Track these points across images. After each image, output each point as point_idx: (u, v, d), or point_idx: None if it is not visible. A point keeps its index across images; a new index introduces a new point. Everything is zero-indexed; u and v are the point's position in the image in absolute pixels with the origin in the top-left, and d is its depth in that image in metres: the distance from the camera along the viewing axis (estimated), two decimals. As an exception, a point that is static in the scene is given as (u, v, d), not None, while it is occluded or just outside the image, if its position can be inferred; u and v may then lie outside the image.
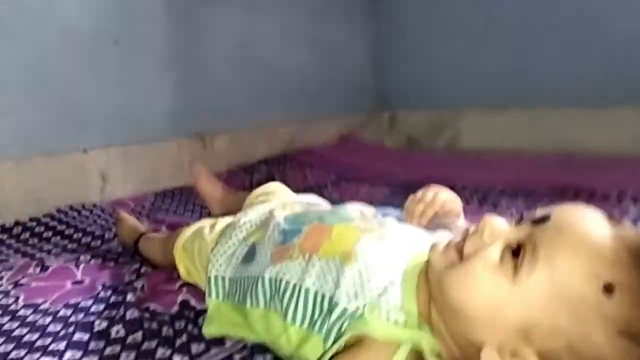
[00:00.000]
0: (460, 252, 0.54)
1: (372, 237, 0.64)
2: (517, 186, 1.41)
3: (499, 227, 0.53)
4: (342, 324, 0.56)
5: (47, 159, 1.37)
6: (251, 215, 0.80)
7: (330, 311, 0.57)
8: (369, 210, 0.74)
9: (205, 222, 0.88)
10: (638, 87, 1.81)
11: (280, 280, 0.63)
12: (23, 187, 1.33)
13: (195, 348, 0.69)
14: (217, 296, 0.72)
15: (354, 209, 0.73)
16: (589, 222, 0.50)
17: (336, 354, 0.53)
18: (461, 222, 0.74)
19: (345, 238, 0.64)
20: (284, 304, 0.61)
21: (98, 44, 1.45)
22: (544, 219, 0.51)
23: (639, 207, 1.20)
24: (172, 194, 1.54)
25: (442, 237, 0.60)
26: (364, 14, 2.36)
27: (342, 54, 2.26)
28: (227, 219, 0.84)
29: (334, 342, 0.55)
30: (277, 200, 0.90)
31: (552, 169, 1.56)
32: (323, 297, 0.59)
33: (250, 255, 0.71)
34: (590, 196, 1.27)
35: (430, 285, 0.55)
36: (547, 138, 1.99)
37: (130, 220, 1.15)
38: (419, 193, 0.75)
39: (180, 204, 1.46)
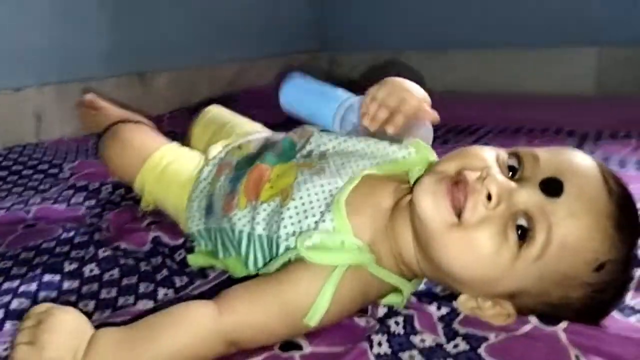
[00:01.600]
0: (457, 210, 0.51)
1: (309, 172, 0.62)
2: (469, 125, 1.45)
3: (504, 183, 0.51)
4: (289, 260, 0.57)
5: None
6: (210, 167, 0.75)
7: (278, 252, 0.59)
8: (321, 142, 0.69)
9: (168, 154, 0.81)
10: (570, 29, 1.89)
11: (234, 230, 0.63)
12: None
13: (178, 281, 0.68)
14: (202, 246, 0.71)
15: (297, 137, 0.71)
16: (598, 200, 0.50)
17: None
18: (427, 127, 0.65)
19: (284, 178, 0.63)
20: (243, 253, 0.62)
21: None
22: (556, 189, 0.50)
23: (575, 139, 1.28)
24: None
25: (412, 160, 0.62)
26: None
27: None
28: (192, 162, 0.79)
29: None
30: (234, 137, 0.85)
31: (497, 108, 1.61)
32: (271, 240, 0.60)
33: (209, 207, 0.70)
34: (541, 132, 1.34)
35: (413, 225, 0.55)
36: (486, 79, 2.05)
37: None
38: (380, 93, 0.62)
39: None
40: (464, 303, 0.55)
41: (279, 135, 0.77)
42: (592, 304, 0.52)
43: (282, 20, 2.18)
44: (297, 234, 0.57)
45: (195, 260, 0.70)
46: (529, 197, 0.50)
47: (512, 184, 0.51)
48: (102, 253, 0.74)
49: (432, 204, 0.52)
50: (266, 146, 0.73)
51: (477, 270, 0.51)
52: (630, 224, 0.51)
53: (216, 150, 0.78)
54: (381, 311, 0.58)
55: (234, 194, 0.66)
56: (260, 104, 1.77)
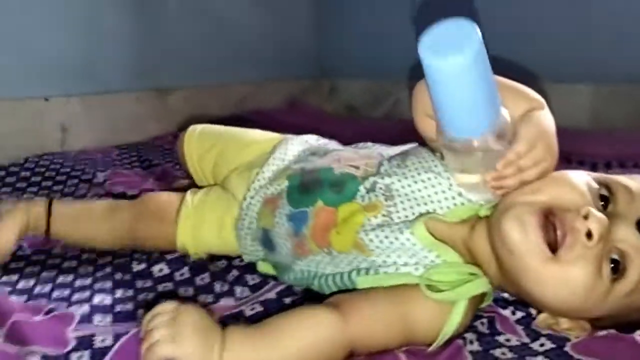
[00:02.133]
0: (551, 244, 0.51)
1: (376, 220, 0.60)
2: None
3: (605, 224, 0.50)
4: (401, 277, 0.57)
5: (5, 106, 1.27)
6: (249, 200, 0.71)
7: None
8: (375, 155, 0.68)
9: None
10: (567, 66, 1.99)
11: (310, 272, 0.63)
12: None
13: (251, 279, 0.70)
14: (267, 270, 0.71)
15: (358, 167, 0.66)
16: None
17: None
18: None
19: (349, 223, 0.61)
20: (316, 286, 0.63)
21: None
22: None
23: (586, 167, 1.35)
24: (136, 148, 1.47)
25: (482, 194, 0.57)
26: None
27: (286, 19, 2.26)
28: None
29: None
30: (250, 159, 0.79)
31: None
32: (349, 273, 0.60)
33: (267, 242, 0.68)
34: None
35: (494, 248, 0.55)
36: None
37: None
38: (523, 151, 0.53)
39: (145, 160, 1.41)
40: (543, 321, 0.58)
41: (313, 146, 0.77)
42: None
43: (286, 46, 2.24)
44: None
45: (266, 268, 0.71)
46: (626, 235, 0.51)
47: (607, 220, 0.51)
48: (167, 255, 0.75)
49: (523, 237, 0.52)
50: (311, 171, 0.68)
51: (570, 304, 0.53)
52: None
53: (238, 183, 0.75)
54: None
55: (301, 238, 0.63)
56: (269, 126, 1.82)
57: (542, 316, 0.58)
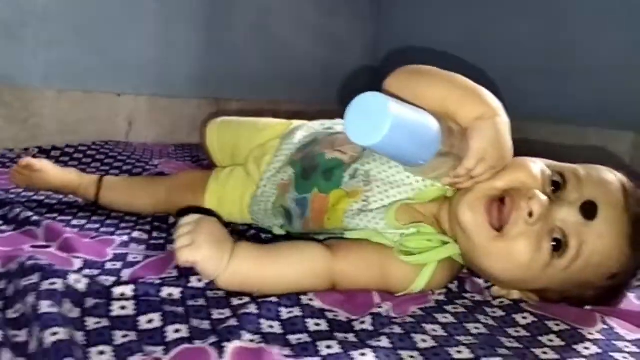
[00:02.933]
0: (499, 224, 0.60)
1: (357, 206, 0.68)
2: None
3: (545, 204, 0.58)
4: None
5: (83, 96, 1.46)
6: (266, 183, 0.81)
7: None
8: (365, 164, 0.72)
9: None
10: (607, 111, 2.02)
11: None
12: (58, 117, 1.42)
13: (264, 237, 0.81)
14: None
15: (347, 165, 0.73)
16: (623, 225, 0.58)
17: None
18: None
19: (337, 210, 0.69)
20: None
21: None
22: (592, 212, 0.58)
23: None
24: (190, 148, 1.63)
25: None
26: (366, 15, 2.52)
27: (343, 49, 2.41)
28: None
29: None
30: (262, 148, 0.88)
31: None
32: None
33: (288, 216, 0.77)
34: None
35: (455, 231, 0.64)
36: (520, 148, 2.16)
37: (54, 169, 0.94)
38: (472, 163, 0.60)
39: (195, 157, 1.56)
40: (497, 292, 0.66)
41: (315, 132, 0.84)
42: (603, 300, 0.62)
43: (341, 73, 2.38)
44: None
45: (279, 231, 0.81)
46: (567, 217, 0.58)
47: (547, 201, 0.58)
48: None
49: (472, 219, 0.61)
50: (310, 157, 0.76)
51: (513, 275, 0.61)
52: None
53: (254, 169, 0.85)
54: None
55: (307, 220, 0.74)
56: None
57: (495, 288, 0.66)
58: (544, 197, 0.58)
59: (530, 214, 0.58)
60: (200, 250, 0.56)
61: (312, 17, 2.18)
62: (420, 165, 0.57)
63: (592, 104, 2.05)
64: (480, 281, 0.70)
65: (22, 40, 1.36)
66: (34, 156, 1.16)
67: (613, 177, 0.61)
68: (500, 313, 0.60)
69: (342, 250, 0.64)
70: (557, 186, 0.61)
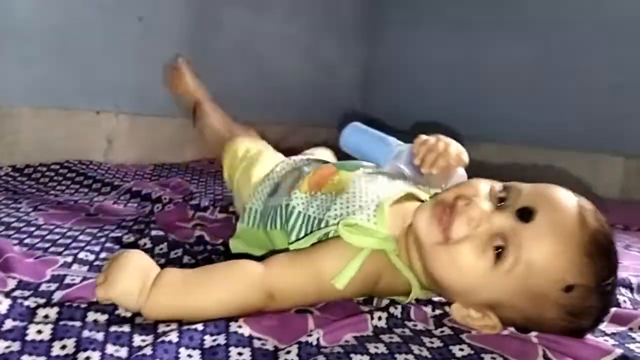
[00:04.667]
0: (446, 232, 0.61)
1: (366, 178, 0.77)
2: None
3: (484, 210, 0.60)
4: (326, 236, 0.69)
5: (61, 114, 1.46)
6: (286, 164, 0.94)
7: (320, 228, 0.71)
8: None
9: (255, 146, 1.02)
10: (598, 135, 2.01)
11: (289, 205, 0.77)
12: (35, 135, 1.42)
13: (216, 259, 0.80)
14: (248, 224, 0.85)
15: (367, 164, 0.85)
16: (567, 222, 0.58)
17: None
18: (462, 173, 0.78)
19: (344, 180, 0.78)
20: (289, 226, 0.75)
21: (124, 17, 1.56)
22: (529, 214, 0.59)
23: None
24: (170, 167, 1.63)
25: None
26: (356, 38, 2.53)
27: (333, 71, 2.41)
28: (268, 160, 0.97)
29: None
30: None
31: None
32: (319, 220, 0.73)
33: (273, 191, 0.85)
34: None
35: (414, 239, 0.66)
36: (513, 173, 2.15)
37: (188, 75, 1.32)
38: (430, 139, 0.77)
39: (178, 175, 1.55)
40: (456, 310, 0.64)
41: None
42: (568, 327, 0.60)
43: (331, 95, 2.38)
44: (341, 215, 0.70)
45: (234, 244, 0.83)
46: (505, 221, 0.59)
47: (491, 211, 0.60)
48: (155, 233, 0.86)
49: (425, 225, 0.63)
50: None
51: (459, 278, 0.61)
52: (601, 254, 0.57)
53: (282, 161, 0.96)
54: (384, 302, 0.68)
55: (299, 180, 0.81)
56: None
57: (455, 305, 0.64)
58: (483, 204, 0.61)
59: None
60: (115, 286, 0.56)
61: (300, 37, 2.18)
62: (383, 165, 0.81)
63: (581, 130, 2.05)
64: (427, 309, 0.68)
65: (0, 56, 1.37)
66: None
67: (563, 191, 0.62)
68: (437, 344, 0.58)
69: (276, 262, 0.64)
70: (504, 200, 0.62)
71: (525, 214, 0.59)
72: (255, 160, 0.97)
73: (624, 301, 0.76)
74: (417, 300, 0.70)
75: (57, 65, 1.45)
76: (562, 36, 2.07)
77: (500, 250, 0.58)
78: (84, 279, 0.67)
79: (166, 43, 1.69)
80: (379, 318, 0.62)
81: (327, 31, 2.33)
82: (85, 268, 0.72)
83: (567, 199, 0.61)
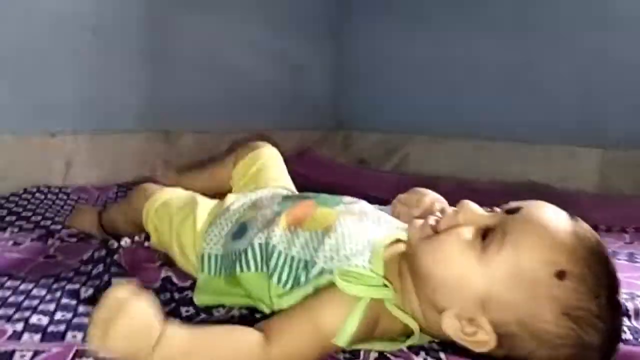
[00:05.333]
0: (435, 228, 0.62)
1: (351, 217, 0.73)
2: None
3: (474, 211, 0.61)
4: (320, 280, 0.65)
5: (11, 139, 1.36)
6: (243, 200, 0.87)
7: (309, 271, 0.67)
8: (362, 205, 0.81)
9: (170, 194, 0.95)
10: (566, 127, 2.00)
11: (268, 244, 0.71)
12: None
13: (184, 311, 0.73)
14: (209, 272, 0.78)
15: (348, 200, 0.80)
16: (554, 217, 0.58)
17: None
18: None
19: (327, 217, 0.73)
20: (271, 268, 0.70)
21: (76, 31, 1.46)
22: (516, 210, 0.60)
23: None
24: (134, 186, 1.54)
25: None
26: (325, 37, 2.46)
27: (302, 72, 2.34)
28: (208, 203, 0.90)
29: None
30: (265, 189, 0.95)
31: (493, 196, 1.68)
32: (306, 262, 0.68)
33: (240, 232, 0.78)
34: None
35: (406, 257, 0.65)
36: (485, 168, 2.13)
37: (89, 210, 1.17)
38: (403, 196, 0.81)
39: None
40: (447, 321, 0.59)
41: None
42: (570, 342, 0.54)
43: (300, 95, 2.32)
44: (332, 259, 0.66)
45: (200, 299, 0.76)
46: (493, 218, 0.60)
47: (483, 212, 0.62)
48: (115, 281, 0.79)
49: (417, 228, 0.64)
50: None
51: (446, 269, 0.59)
52: (597, 254, 0.56)
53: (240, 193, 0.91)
54: (372, 356, 0.62)
55: (275, 217, 0.75)
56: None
57: (447, 315, 0.59)
58: (473, 206, 0.62)
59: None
60: (114, 343, 0.51)
61: (267, 40, 2.10)
62: None
63: (557, 123, 2.03)
64: (418, 361, 0.62)
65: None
66: None
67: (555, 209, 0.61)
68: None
69: (275, 331, 0.59)
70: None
71: (513, 210, 0.60)
72: (193, 205, 0.89)
73: (623, 331, 0.71)
74: (409, 347, 0.65)
75: (7, 88, 1.34)
76: (535, 31, 2.04)
77: (486, 238, 0.58)
78: (35, 354, 0.60)
79: (123, 55, 1.60)
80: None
81: (294, 30, 2.25)
82: (38, 337, 0.64)
83: (557, 210, 0.60)
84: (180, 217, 0.88)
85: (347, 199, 0.81)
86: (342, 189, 1.73)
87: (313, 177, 1.90)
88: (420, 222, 0.64)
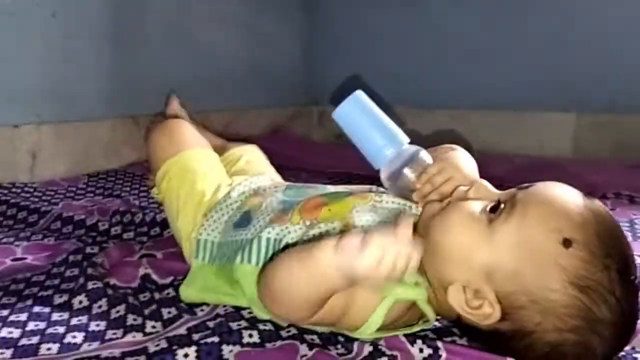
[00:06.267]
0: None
1: (364, 206, 0.70)
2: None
3: (486, 187, 0.62)
4: None
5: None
6: (244, 187, 0.83)
7: None
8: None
9: (195, 159, 0.89)
10: (548, 94, 1.99)
11: (281, 241, 0.68)
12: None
13: (166, 313, 0.69)
14: (204, 259, 0.75)
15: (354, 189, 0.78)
16: (565, 191, 0.58)
17: None
18: None
19: (342, 207, 0.70)
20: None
21: (35, 16, 1.38)
22: (528, 187, 0.59)
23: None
24: (106, 175, 1.49)
25: None
26: (298, 10, 2.39)
27: (274, 47, 2.28)
28: (222, 182, 0.86)
29: None
30: (262, 174, 0.93)
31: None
32: None
33: (244, 221, 0.75)
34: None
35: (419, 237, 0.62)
36: (463, 138, 2.12)
37: None
38: (437, 178, 0.67)
39: (115, 186, 1.42)
40: (453, 294, 0.58)
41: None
42: (580, 314, 0.52)
43: (273, 72, 2.26)
44: None
45: (186, 293, 0.73)
46: (504, 194, 0.60)
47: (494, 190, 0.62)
48: (92, 285, 0.74)
49: (429, 207, 0.65)
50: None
51: (454, 240, 0.59)
52: (605, 223, 0.55)
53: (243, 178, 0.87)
54: (366, 349, 0.60)
55: (286, 212, 0.72)
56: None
57: (452, 288, 0.58)
58: (486, 184, 0.63)
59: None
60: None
61: (237, 14, 2.03)
62: (386, 159, 0.68)
63: (531, 89, 2.02)
64: (415, 351, 0.60)
65: None
66: None
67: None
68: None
69: None
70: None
71: (525, 186, 0.60)
72: (199, 167, 0.87)
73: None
74: (405, 336, 0.62)
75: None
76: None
77: (494, 209, 0.58)
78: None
79: (86, 37, 1.51)
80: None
81: (264, 3, 2.18)
82: (9, 353, 0.60)
83: (571, 188, 0.60)
84: (196, 199, 0.83)
85: (357, 189, 0.77)
86: (321, 169, 1.74)
87: (289, 155, 1.86)
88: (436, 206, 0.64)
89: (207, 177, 0.86)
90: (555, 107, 2.00)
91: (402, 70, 2.25)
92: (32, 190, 1.29)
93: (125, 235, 1.02)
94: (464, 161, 0.70)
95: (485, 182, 0.63)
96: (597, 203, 0.57)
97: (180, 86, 1.81)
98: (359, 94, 0.70)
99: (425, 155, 0.69)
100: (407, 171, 0.68)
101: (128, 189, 1.39)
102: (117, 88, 1.61)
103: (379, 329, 0.61)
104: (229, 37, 2.01)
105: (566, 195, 0.57)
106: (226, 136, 1.92)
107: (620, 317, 0.52)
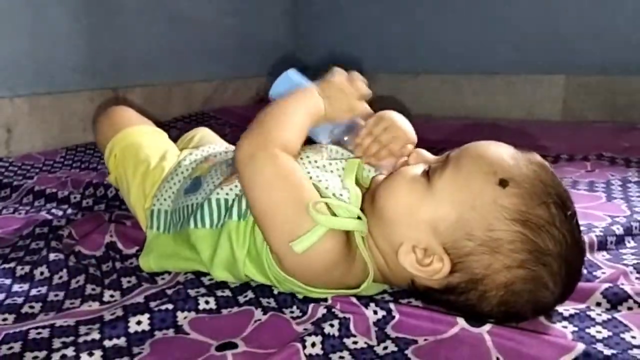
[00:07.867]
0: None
1: (316, 153, 0.71)
2: (437, 149, 1.48)
3: (424, 154, 0.66)
4: None
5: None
6: (195, 156, 0.83)
7: None
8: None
9: (139, 133, 0.89)
10: (539, 57, 1.96)
11: (227, 200, 0.68)
12: None
13: (126, 282, 0.69)
14: (158, 229, 0.75)
15: None
16: (496, 143, 0.61)
17: None
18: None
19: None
20: (234, 215, 0.66)
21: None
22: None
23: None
24: (84, 149, 1.48)
25: None
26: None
27: (259, 17, 2.24)
28: (168, 151, 0.86)
29: None
30: (215, 144, 0.92)
31: (465, 132, 1.66)
32: None
33: (194, 187, 0.75)
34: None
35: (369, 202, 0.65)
36: (455, 104, 2.11)
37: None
38: (376, 129, 0.70)
39: (93, 159, 1.41)
40: (403, 255, 0.59)
41: None
42: (528, 248, 0.53)
43: (257, 41, 2.22)
44: None
45: (145, 263, 0.73)
46: (441, 158, 0.62)
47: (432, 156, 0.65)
48: (54, 257, 0.74)
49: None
50: None
51: (397, 202, 0.61)
52: (539, 163, 0.57)
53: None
54: (320, 312, 0.60)
55: (235, 172, 0.70)
56: (235, 124, 1.81)
57: (402, 248, 0.59)
58: (423, 151, 0.66)
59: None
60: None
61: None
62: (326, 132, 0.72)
63: (521, 52, 1.99)
64: (369, 313, 0.60)
65: None
66: None
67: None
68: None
69: None
70: None
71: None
72: (143, 141, 0.87)
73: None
74: (358, 298, 0.62)
75: None
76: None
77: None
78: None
79: (60, 8, 1.49)
80: (313, 344, 0.54)
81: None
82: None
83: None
84: (141, 169, 0.83)
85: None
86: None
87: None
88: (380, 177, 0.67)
89: (150, 147, 0.86)
90: (544, 70, 1.98)
91: (389, 36, 2.22)
92: (7, 164, 1.28)
93: (96, 208, 1.01)
94: (398, 116, 0.73)
95: (422, 150, 0.66)
96: (531, 152, 0.59)
97: (162, 56, 1.79)
98: (291, 72, 0.74)
99: (358, 120, 0.73)
100: (348, 138, 0.72)
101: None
102: (96, 59, 1.60)
103: (326, 288, 0.61)
104: (212, 6, 1.98)
105: (496, 145, 0.60)
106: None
107: (564, 248, 0.53)
